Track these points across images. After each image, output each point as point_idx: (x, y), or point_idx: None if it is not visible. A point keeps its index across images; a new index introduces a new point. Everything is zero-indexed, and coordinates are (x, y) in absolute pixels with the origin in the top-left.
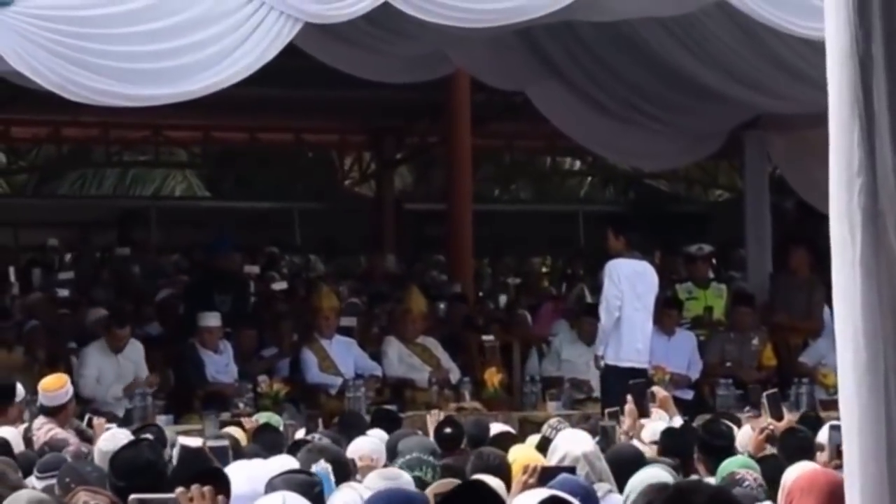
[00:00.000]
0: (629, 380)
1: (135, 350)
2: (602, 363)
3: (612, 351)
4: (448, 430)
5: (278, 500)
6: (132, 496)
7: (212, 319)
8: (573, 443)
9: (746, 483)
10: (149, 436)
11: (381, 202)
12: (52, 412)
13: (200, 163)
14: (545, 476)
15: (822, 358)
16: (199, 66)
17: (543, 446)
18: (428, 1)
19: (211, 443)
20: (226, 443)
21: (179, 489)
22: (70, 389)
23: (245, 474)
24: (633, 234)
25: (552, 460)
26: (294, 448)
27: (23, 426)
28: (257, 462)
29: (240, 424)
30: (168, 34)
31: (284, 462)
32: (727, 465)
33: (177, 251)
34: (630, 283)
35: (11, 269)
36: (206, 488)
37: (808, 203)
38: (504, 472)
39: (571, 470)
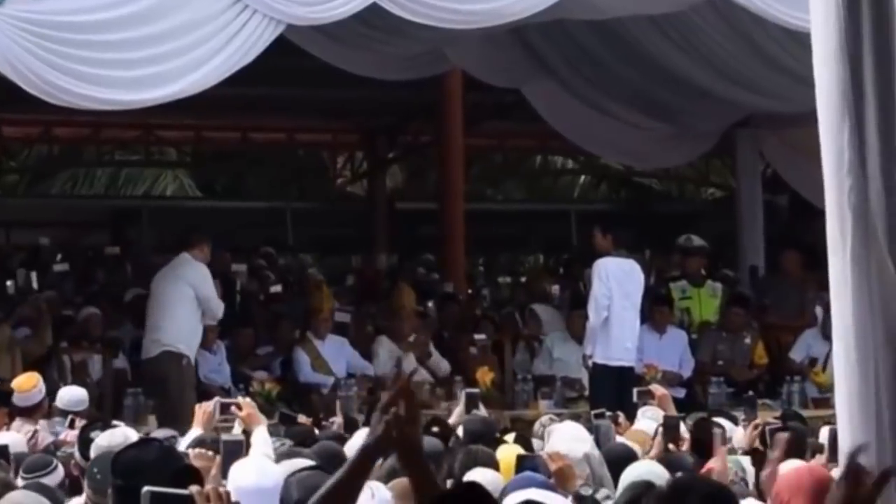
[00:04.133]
0: (618, 379)
1: None
2: (590, 362)
3: (601, 350)
4: (436, 429)
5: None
6: (146, 488)
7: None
8: (576, 441)
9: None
10: (157, 435)
11: (373, 202)
12: (27, 412)
13: (192, 163)
14: (519, 465)
15: (810, 349)
16: (183, 70)
17: (527, 445)
18: (415, 1)
19: (225, 436)
20: (241, 438)
21: (195, 487)
22: (43, 388)
23: (256, 469)
24: (620, 233)
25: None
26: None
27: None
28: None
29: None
30: (153, 40)
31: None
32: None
33: (168, 251)
34: (618, 282)
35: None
36: (223, 490)
37: (803, 198)
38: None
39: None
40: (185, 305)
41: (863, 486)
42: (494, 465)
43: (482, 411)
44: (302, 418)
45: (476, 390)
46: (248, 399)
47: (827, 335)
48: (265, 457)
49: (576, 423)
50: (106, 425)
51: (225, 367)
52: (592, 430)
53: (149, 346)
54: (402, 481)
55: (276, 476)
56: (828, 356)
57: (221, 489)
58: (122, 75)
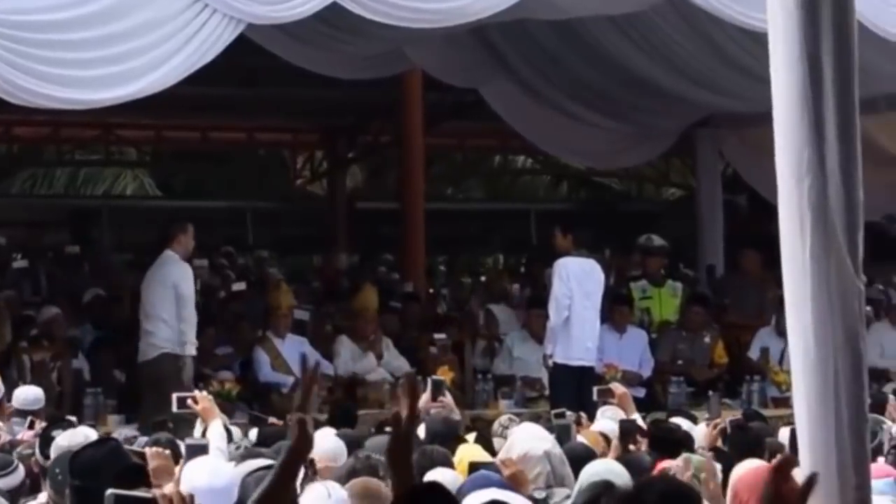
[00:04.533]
0: (579, 378)
1: None
2: (550, 362)
3: (561, 349)
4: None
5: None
6: (109, 491)
7: None
8: (536, 440)
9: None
10: (115, 435)
11: (333, 201)
12: None
13: (152, 162)
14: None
15: (763, 343)
16: (143, 70)
17: (487, 445)
18: (376, 1)
19: (189, 440)
20: (205, 442)
21: (157, 490)
22: (2, 389)
23: (209, 470)
24: (580, 233)
25: (511, 455)
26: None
27: None
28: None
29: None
30: (113, 40)
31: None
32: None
33: (128, 250)
34: (579, 282)
35: None
36: (187, 493)
37: (762, 198)
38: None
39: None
40: (173, 306)
41: (790, 482)
42: (450, 465)
43: (448, 398)
44: (272, 421)
45: (442, 378)
46: (204, 393)
47: (781, 332)
48: (219, 452)
49: (534, 423)
50: (70, 425)
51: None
52: (553, 429)
53: (145, 348)
54: (361, 481)
55: (229, 476)
56: (783, 353)
57: (185, 492)
58: (83, 75)
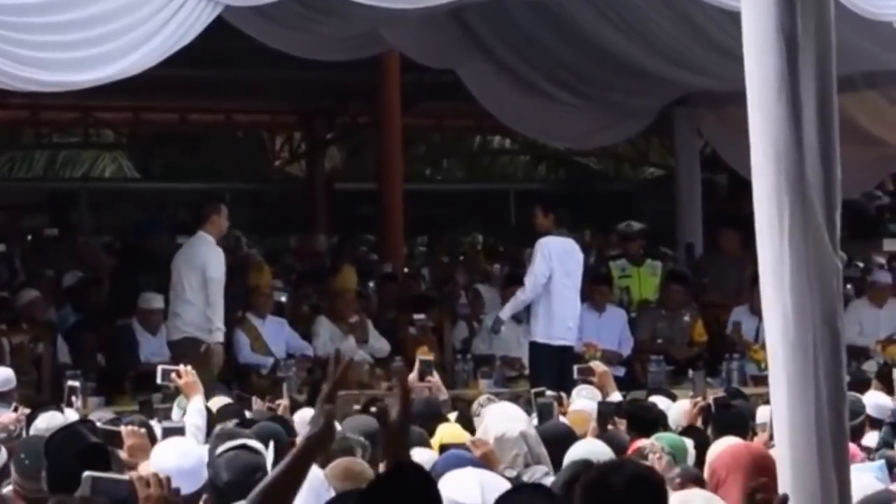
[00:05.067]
0: (560, 358)
1: None
2: (502, 326)
3: (542, 329)
4: (374, 409)
5: None
6: (86, 473)
7: (154, 301)
8: (511, 420)
9: (657, 455)
10: (93, 419)
11: (311, 182)
12: None
13: (130, 144)
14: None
15: (737, 318)
16: (122, 52)
17: (468, 425)
18: None
19: (166, 423)
20: (182, 424)
21: (134, 472)
22: None
23: (177, 451)
24: (561, 212)
25: (487, 436)
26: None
27: None
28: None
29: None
30: (91, 22)
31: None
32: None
33: (107, 233)
34: (560, 261)
35: None
36: (164, 476)
37: (741, 177)
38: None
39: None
40: (201, 289)
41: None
42: (427, 445)
43: (435, 378)
44: (257, 402)
45: (429, 357)
46: (188, 367)
47: (755, 311)
48: (196, 430)
49: (511, 402)
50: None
51: (165, 351)
52: (534, 408)
53: (171, 329)
54: (343, 462)
55: (197, 456)
56: (758, 330)
57: (161, 475)
58: (61, 57)
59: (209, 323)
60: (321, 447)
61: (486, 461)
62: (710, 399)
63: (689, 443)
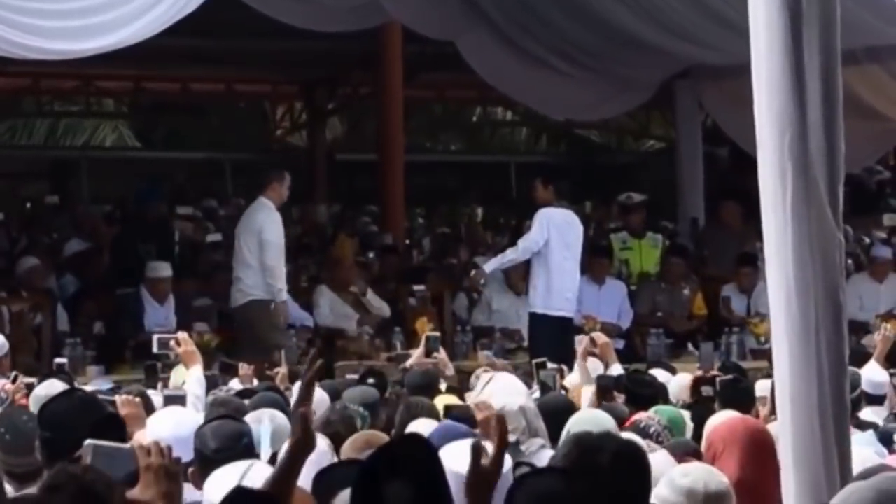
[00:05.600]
0: (559, 329)
1: None
2: (482, 280)
3: (541, 300)
4: (371, 380)
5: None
6: (87, 441)
7: (162, 269)
8: (512, 394)
9: (653, 429)
10: (85, 387)
11: (312, 153)
12: None
13: (131, 113)
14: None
15: (727, 294)
16: (124, 20)
17: (460, 395)
18: None
19: (167, 391)
20: (183, 392)
21: (135, 442)
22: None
23: (173, 420)
24: (561, 184)
25: None
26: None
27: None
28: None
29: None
30: None
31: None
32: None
33: (108, 202)
34: (560, 233)
35: None
36: (165, 445)
37: (743, 150)
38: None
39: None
40: (259, 253)
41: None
42: (436, 416)
43: (442, 354)
44: (243, 367)
45: (436, 333)
46: (186, 335)
47: (743, 289)
48: (195, 399)
49: (511, 374)
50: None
51: (172, 319)
52: (536, 379)
53: (235, 294)
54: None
55: (192, 425)
56: (748, 307)
57: (164, 445)
58: (63, 25)
59: (270, 286)
60: (304, 453)
61: (487, 425)
62: (716, 376)
63: (686, 415)
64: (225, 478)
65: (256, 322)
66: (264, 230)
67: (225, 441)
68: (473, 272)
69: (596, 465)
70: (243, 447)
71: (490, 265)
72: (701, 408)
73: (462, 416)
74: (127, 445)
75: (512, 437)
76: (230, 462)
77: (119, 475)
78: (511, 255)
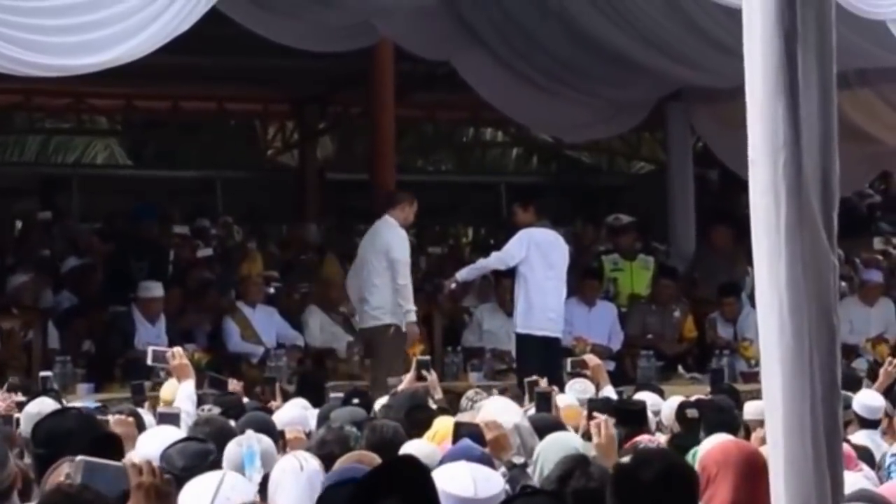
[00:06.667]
0: (543, 349)
1: None
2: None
3: (522, 319)
4: (356, 400)
5: (215, 480)
6: (79, 457)
7: (154, 290)
8: (506, 413)
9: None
10: (77, 405)
11: (303, 172)
12: None
13: (123, 131)
14: (457, 433)
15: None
16: (119, 37)
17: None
18: None
19: (162, 409)
20: (177, 410)
21: (128, 459)
22: None
23: (159, 440)
24: (542, 205)
25: None
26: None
27: None
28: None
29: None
30: (88, 7)
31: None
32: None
33: (98, 219)
34: (541, 252)
35: None
36: (156, 465)
37: (733, 172)
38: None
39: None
40: (385, 273)
41: None
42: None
43: (432, 377)
44: (232, 383)
45: (426, 357)
46: (180, 350)
47: (727, 318)
48: (185, 415)
49: (503, 396)
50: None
51: (163, 339)
52: (532, 398)
53: (361, 315)
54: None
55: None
56: (734, 334)
57: (156, 464)
58: (57, 41)
59: (399, 306)
60: None
61: (497, 445)
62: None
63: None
64: (199, 488)
65: (381, 348)
66: (392, 248)
67: (192, 459)
68: (446, 281)
69: (641, 481)
70: (209, 465)
71: (461, 273)
72: (687, 437)
73: (472, 434)
74: (118, 463)
75: (518, 459)
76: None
77: (110, 492)
78: (482, 262)
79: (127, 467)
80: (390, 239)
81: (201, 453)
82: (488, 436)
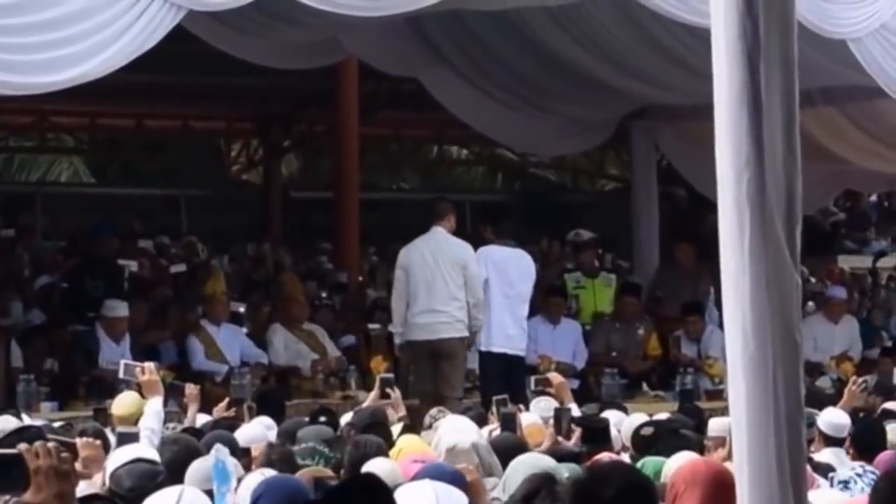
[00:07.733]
0: (504, 365)
1: None
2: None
3: (482, 337)
4: (323, 418)
5: (174, 496)
6: None
7: (120, 309)
8: (461, 432)
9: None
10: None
11: (268, 190)
12: None
13: (87, 149)
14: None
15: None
16: (83, 55)
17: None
18: None
19: (121, 428)
20: (136, 430)
21: (23, 445)
22: None
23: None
24: (499, 223)
25: (440, 449)
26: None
27: None
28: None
29: None
30: (53, 25)
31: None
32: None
33: (62, 237)
34: (499, 270)
35: None
36: (51, 445)
37: (697, 191)
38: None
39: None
40: (463, 287)
41: None
42: (384, 454)
43: (396, 394)
44: (189, 387)
45: (390, 375)
46: (151, 365)
47: (691, 338)
48: (150, 433)
49: (461, 415)
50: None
51: (128, 358)
52: (497, 416)
53: (436, 326)
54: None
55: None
56: (698, 352)
57: (50, 444)
58: (22, 59)
59: (476, 319)
60: None
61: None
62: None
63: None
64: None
65: (457, 359)
66: (469, 265)
67: (139, 480)
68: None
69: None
70: (156, 486)
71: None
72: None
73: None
74: (15, 451)
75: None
76: (144, 500)
77: (16, 485)
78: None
79: (22, 453)
80: (467, 256)
81: (149, 474)
82: (468, 478)
